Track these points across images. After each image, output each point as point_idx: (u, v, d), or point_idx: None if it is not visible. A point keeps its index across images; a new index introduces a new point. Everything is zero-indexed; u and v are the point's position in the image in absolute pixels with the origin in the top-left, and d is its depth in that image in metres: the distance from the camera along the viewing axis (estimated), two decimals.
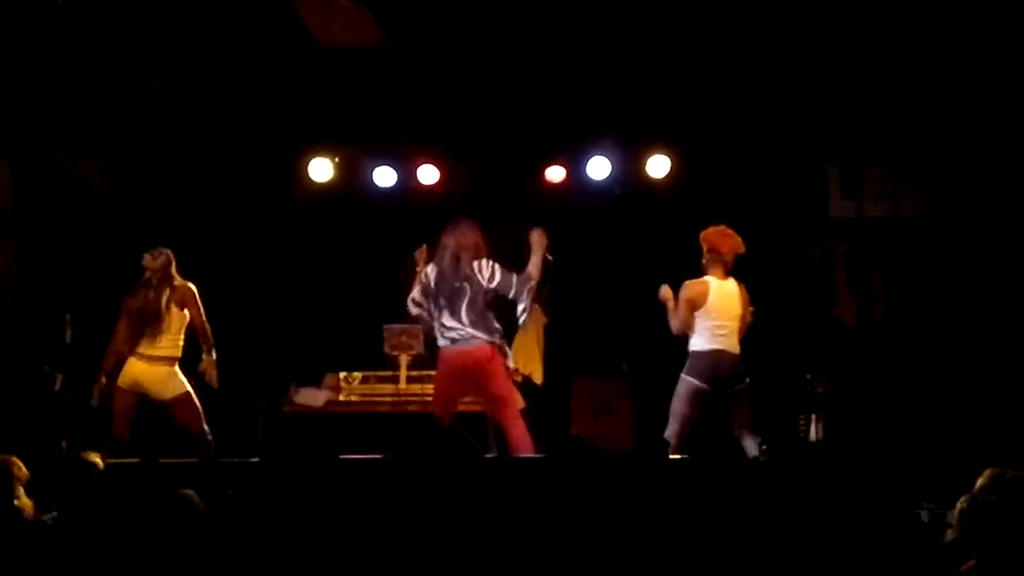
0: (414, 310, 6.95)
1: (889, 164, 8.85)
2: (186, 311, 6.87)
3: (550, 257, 7.11)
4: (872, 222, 8.82)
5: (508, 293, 6.78)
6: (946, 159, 8.71)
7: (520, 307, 6.81)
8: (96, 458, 5.00)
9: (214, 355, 6.95)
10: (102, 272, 8.09)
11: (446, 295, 6.75)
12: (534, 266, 6.86)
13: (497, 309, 6.85)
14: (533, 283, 6.84)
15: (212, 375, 6.94)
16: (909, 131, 8.63)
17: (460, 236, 6.83)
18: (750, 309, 6.79)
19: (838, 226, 8.85)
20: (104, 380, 6.85)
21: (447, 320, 6.75)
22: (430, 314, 6.89)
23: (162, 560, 3.64)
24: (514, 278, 6.79)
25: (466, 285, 6.74)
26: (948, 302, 8.49)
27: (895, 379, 8.13)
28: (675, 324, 6.69)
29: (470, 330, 6.71)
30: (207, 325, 6.94)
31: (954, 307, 8.46)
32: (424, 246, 7.01)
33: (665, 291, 6.76)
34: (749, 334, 6.81)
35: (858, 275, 8.56)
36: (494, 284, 6.76)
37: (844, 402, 7.90)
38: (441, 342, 6.82)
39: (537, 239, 6.90)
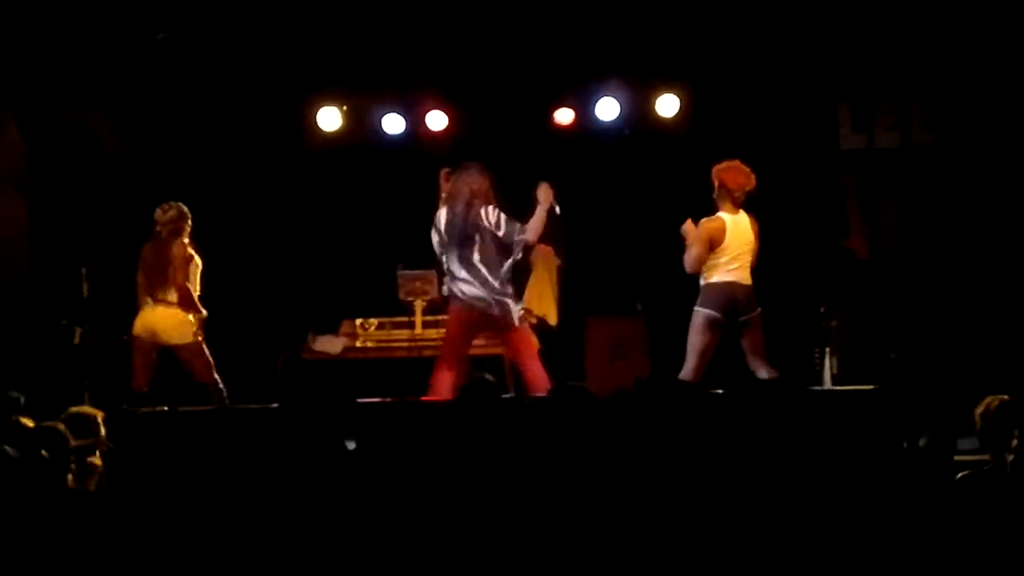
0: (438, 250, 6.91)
1: (899, 95, 8.79)
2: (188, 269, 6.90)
3: (558, 210, 7.07)
4: (883, 153, 8.79)
5: (508, 243, 6.77)
6: (955, 89, 8.65)
7: (508, 262, 6.78)
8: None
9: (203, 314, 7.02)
10: (116, 226, 8.13)
11: (457, 241, 6.72)
12: (536, 219, 6.78)
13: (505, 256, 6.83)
14: (529, 238, 6.80)
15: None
16: (919, 62, 8.56)
17: (472, 182, 6.78)
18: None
19: (849, 158, 8.82)
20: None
21: (456, 268, 6.71)
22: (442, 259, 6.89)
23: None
24: (516, 227, 6.77)
25: (475, 233, 6.72)
26: (960, 231, 8.46)
27: (908, 310, 8.13)
28: (690, 262, 6.67)
29: (480, 281, 6.66)
30: (196, 298, 6.96)
31: (965, 236, 8.44)
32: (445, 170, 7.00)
33: (688, 225, 6.69)
34: (762, 268, 6.81)
35: (870, 207, 8.53)
36: (500, 232, 6.73)
37: (859, 336, 7.90)
38: (452, 291, 6.76)
39: (543, 195, 6.83)
